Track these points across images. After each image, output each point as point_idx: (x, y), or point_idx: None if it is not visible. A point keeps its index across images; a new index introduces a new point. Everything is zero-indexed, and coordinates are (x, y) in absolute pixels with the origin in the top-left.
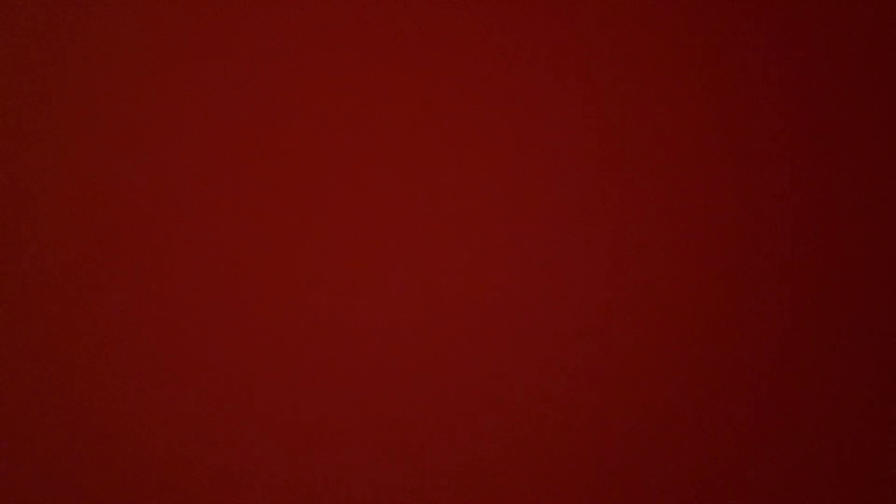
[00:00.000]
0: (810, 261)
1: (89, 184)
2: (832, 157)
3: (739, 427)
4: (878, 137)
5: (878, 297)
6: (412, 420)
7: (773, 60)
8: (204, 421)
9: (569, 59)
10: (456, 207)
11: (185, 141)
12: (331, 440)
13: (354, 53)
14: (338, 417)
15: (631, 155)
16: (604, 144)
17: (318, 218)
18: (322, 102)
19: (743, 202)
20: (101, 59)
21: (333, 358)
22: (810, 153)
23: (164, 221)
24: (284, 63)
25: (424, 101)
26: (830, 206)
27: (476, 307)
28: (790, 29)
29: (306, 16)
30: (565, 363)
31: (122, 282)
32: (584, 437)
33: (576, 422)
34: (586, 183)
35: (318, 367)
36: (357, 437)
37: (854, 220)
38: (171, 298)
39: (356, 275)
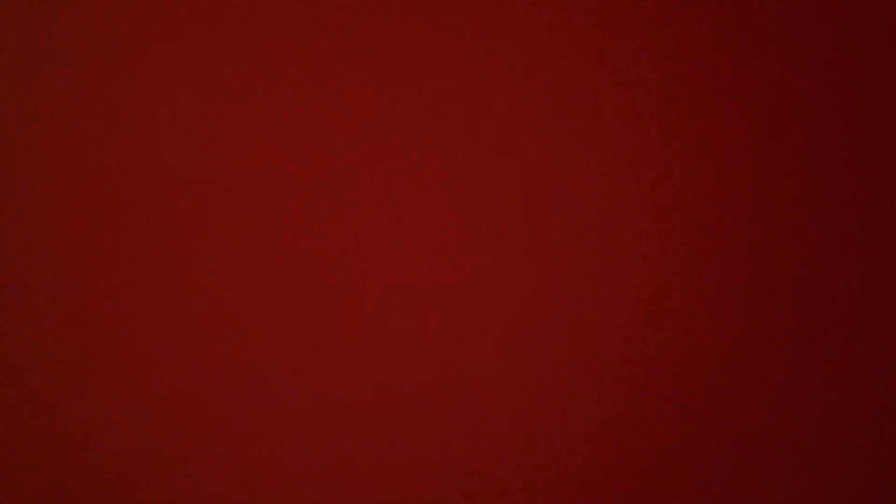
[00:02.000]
0: (813, 262)
1: (88, 183)
2: (834, 157)
3: (747, 429)
4: (879, 137)
5: (879, 297)
6: (414, 421)
7: (778, 61)
8: (204, 421)
9: (574, 58)
10: (458, 207)
11: (184, 139)
12: (331, 441)
13: (357, 50)
14: (339, 418)
15: (634, 156)
16: (607, 144)
17: (320, 218)
18: (326, 101)
19: (751, 206)
20: (100, 57)
21: (335, 359)
22: (813, 154)
23: (163, 220)
24: (288, 60)
25: (426, 100)
26: (832, 207)
27: (478, 308)
28: (794, 29)
29: (310, 13)
30: (567, 364)
31: (122, 281)
32: (587, 439)
33: (579, 424)
34: (590, 183)
35: (319, 367)
36: (357, 438)
37: (855, 220)
38: (171, 298)
39: (358, 275)
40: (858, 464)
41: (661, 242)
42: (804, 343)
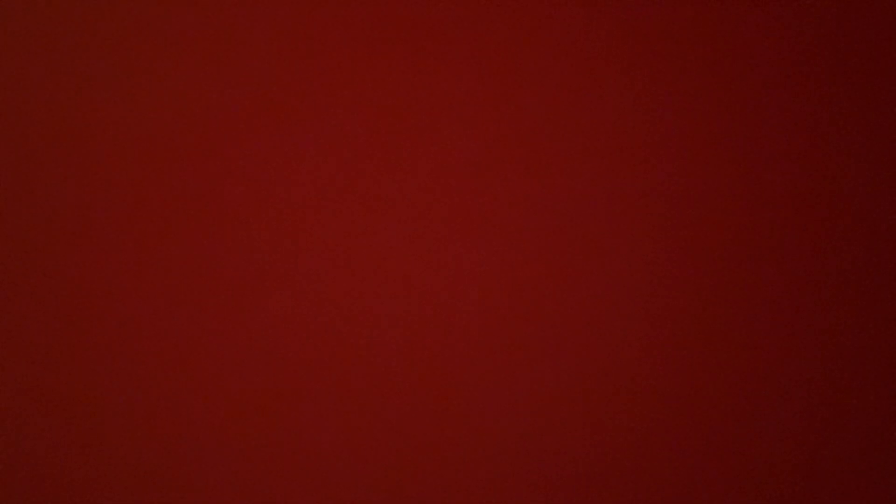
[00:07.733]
0: (812, 262)
1: (88, 182)
2: (834, 158)
3: (746, 431)
4: (879, 137)
5: (878, 297)
6: (412, 421)
7: (778, 61)
8: (203, 421)
9: (572, 58)
10: (456, 206)
11: (183, 139)
12: (330, 441)
13: (355, 51)
14: (338, 419)
15: (634, 156)
16: (605, 143)
17: (318, 218)
18: (324, 102)
19: (751, 205)
20: (99, 57)
21: (334, 359)
22: (813, 154)
23: (162, 221)
24: (285, 62)
25: (425, 100)
26: (831, 207)
27: (476, 308)
28: (793, 29)
29: (307, 14)
30: (566, 364)
31: (121, 281)
32: (586, 439)
33: (577, 423)
34: (590, 182)
35: (319, 368)
36: (356, 438)
37: (854, 220)
38: (170, 298)
39: (357, 275)
40: (859, 465)
41: (661, 243)
42: (803, 343)
